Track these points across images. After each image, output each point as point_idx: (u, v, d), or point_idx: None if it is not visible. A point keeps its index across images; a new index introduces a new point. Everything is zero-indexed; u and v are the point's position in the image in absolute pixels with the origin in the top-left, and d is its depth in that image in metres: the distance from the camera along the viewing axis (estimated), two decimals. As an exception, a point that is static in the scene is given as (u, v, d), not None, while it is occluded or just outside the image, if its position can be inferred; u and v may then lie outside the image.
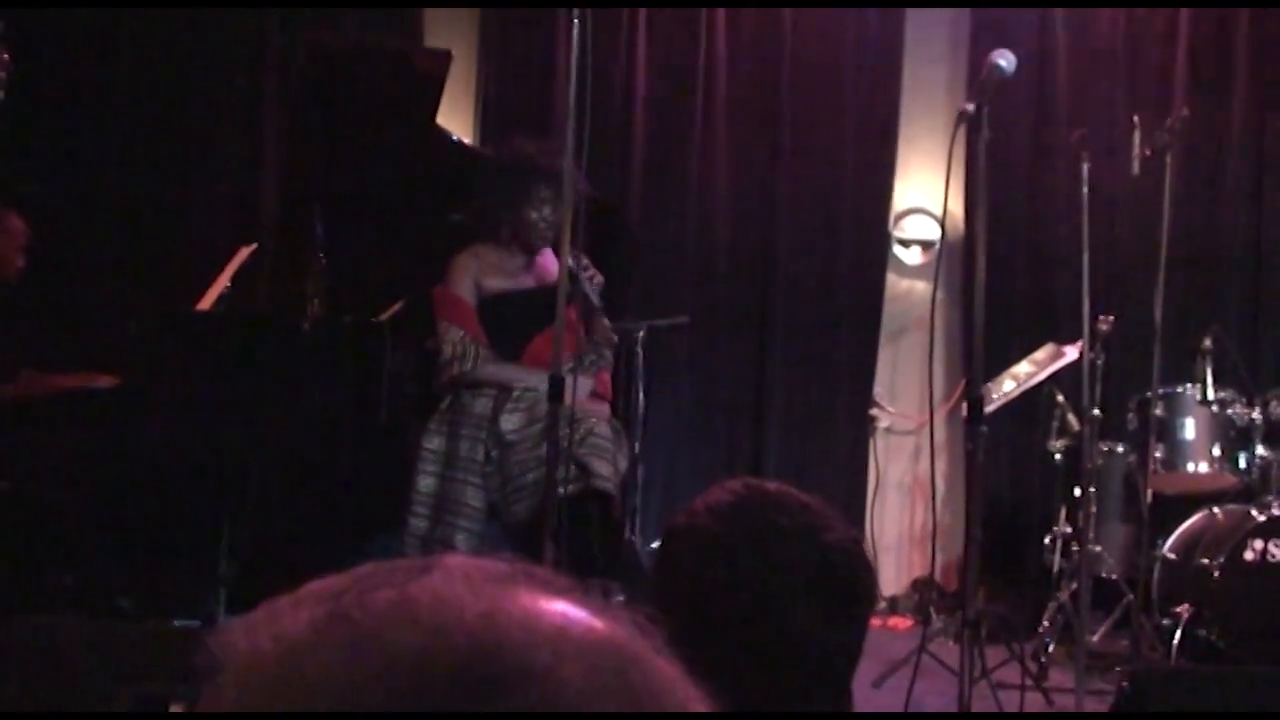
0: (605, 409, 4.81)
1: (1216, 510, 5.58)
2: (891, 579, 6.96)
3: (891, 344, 7.23)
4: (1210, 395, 5.67)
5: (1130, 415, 5.84)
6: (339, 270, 5.20)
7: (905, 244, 7.27)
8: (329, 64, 5.46)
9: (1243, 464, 5.70)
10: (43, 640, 4.08)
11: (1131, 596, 5.40)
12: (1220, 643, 5.21)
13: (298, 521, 5.16)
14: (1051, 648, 5.47)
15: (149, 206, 6.53)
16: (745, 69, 7.15)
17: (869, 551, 1.67)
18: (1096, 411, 5.25)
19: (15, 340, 5.25)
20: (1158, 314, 4.94)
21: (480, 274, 4.78)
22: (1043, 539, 5.92)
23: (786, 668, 1.56)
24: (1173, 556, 5.53)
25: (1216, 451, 5.68)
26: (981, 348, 4.05)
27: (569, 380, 3.88)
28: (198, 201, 6.54)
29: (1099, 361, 5.42)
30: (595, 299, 4.69)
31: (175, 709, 3.69)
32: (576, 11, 3.94)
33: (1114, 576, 5.73)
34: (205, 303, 5.32)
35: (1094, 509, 5.38)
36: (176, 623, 4.86)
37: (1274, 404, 5.67)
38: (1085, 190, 4.97)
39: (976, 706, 4.02)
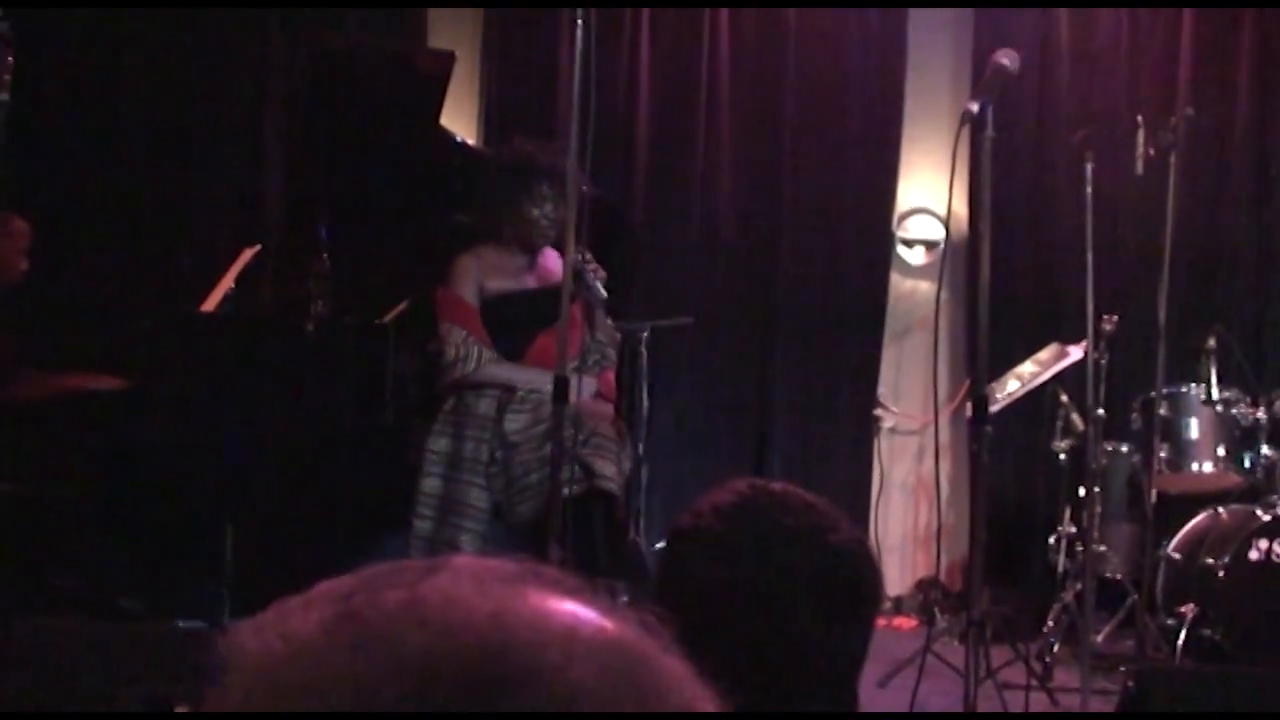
0: (609, 409, 4.81)
1: (1221, 510, 5.58)
2: (896, 579, 6.95)
3: (895, 344, 7.23)
4: (1215, 395, 5.67)
5: (1134, 415, 5.84)
6: (342, 271, 5.20)
7: (909, 244, 7.27)
8: (332, 65, 5.47)
9: (1247, 464, 5.69)
10: (48, 641, 4.08)
11: (1136, 596, 5.39)
12: (1225, 643, 5.21)
13: (302, 522, 5.17)
14: (1056, 648, 5.47)
15: (152, 208, 6.53)
16: (748, 69, 7.15)
17: (874, 552, 1.67)
18: (1101, 411, 5.25)
19: (19, 341, 5.25)
20: (1162, 314, 4.94)
21: (482, 275, 4.78)
22: (1047, 539, 5.91)
23: (792, 668, 1.55)
24: (1177, 556, 5.52)
25: (1221, 451, 5.68)
26: (986, 348, 4.05)
27: (573, 380, 3.88)
28: (201, 203, 6.54)
29: (1103, 361, 5.42)
30: (601, 291, 4.68)
31: (180, 710, 3.69)
32: (580, 12, 3.94)
33: (1119, 576, 5.73)
34: (209, 304, 5.32)
35: (1098, 509, 5.38)
36: (181, 624, 4.86)
37: (1278, 403, 5.66)
38: (1089, 190, 4.96)
39: (981, 707, 4.02)
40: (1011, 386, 5.72)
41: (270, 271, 5.73)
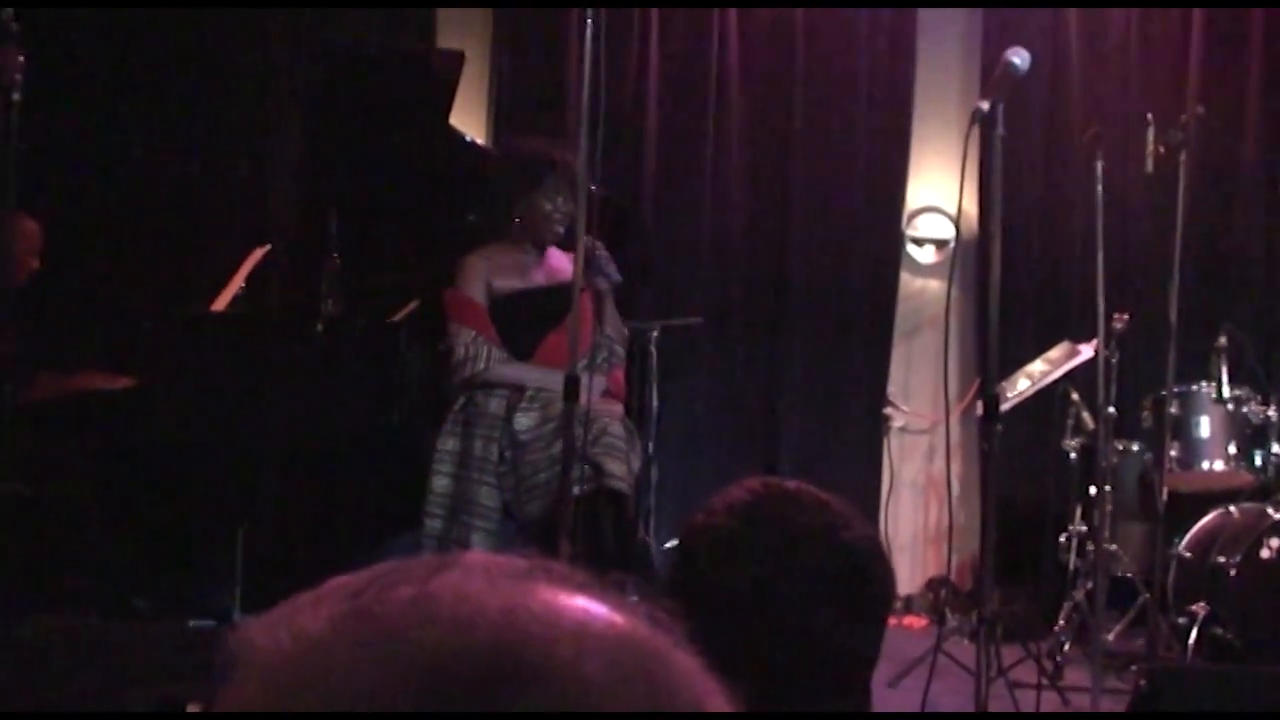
0: (619, 408, 4.81)
1: (1232, 508, 5.56)
2: (906, 578, 6.94)
3: (905, 343, 7.22)
4: (1225, 393, 5.66)
5: (1145, 413, 5.83)
6: (353, 271, 5.21)
7: (919, 243, 7.26)
8: (342, 65, 5.48)
9: (1258, 462, 5.68)
10: (59, 641, 4.09)
11: (1147, 595, 5.38)
12: (1236, 641, 5.20)
13: (312, 523, 5.17)
14: (1067, 647, 5.46)
15: (162, 208, 6.54)
16: (757, 68, 7.14)
17: (887, 550, 1.67)
18: (1111, 410, 5.24)
19: (30, 342, 5.26)
20: (1172, 312, 4.93)
21: (491, 274, 4.78)
22: (1058, 538, 5.90)
23: (806, 667, 1.55)
24: (1188, 555, 5.51)
25: (1232, 449, 5.67)
26: (996, 346, 4.04)
27: (583, 379, 3.88)
28: (211, 203, 6.55)
29: (1114, 360, 5.40)
30: (615, 274, 4.67)
31: (192, 709, 3.70)
32: (590, 11, 3.93)
33: (1130, 575, 5.72)
34: (219, 304, 5.32)
35: (1109, 508, 5.37)
36: (192, 623, 4.87)
37: (1290, 402, 5.66)
38: (1099, 188, 4.96)
39: (992, 706, 4.02)
40: (1022, 385, 5.71)
41: (280, 271, 5.74)
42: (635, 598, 0.65)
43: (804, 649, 1.54)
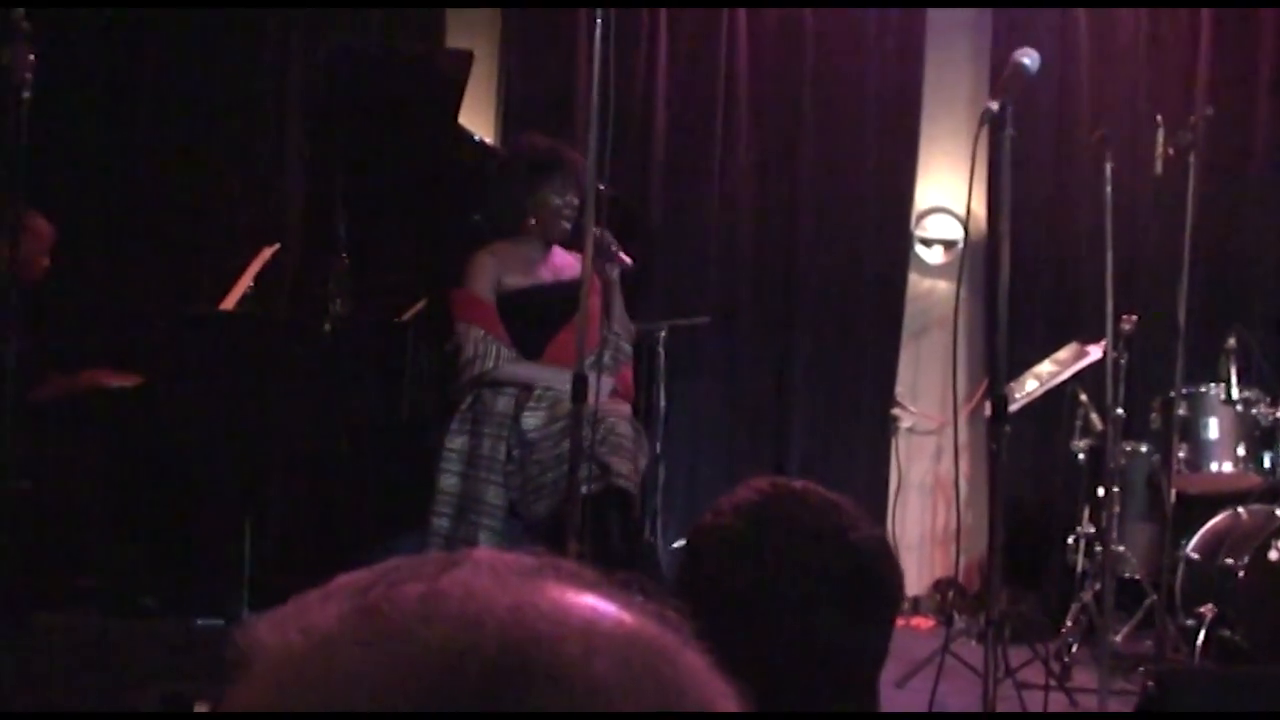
0: (626, 408, 4.81)
1: (1241, 510, 5.56)
2: (914, 579, 6.94)
3: (913, 343, 7.22)
4: (1234, 395, 5.65)
5: (1154, 415, 5.82)
6: (361, 270, 5.21)
7: (927, 243, 7.26)
8: (352, 66, 5.48)
9: (1267, 464, 5.68)
10: (68, 639, 4.10)
11: (1155, 597, 5.38)
12: (1244, 643, 5.19)
13: (320, 521, 5.18)
14: (1075, 648, 5.45)
15: (171, 207, 6.55)
16: (766, 68, 7.14)
17: (894, 550, 1.67)
18: (1120, 411, 5.23)
19: (41, 341, 5.27)
20: (1181, 313, 4.92)
21: (500, 271, 4.78)
22: (1066, 539, 5.90)
23: (813, 667, 1.55)
24: (1196, 557, 5.51)
25: (1240, 451, 5.66)
26: (1004, 347, 4.03)
27: (591, 380, 3.88)
28: (221, 202, 6.56)
29: (1122, 361, 5.40)
30: (626, 258, 4.67)
31: (200, 707, 3.71)
32: (599, 12, 3.93)
33: (1137, 577, 5.71)
34: (228, 303, 5.33)
35: (1117, 509, 5.37)
36: (201, 622, 4.88)
37: (1299, 404, 5.65)
38: (1108, 190, 4.95)
39: (1000, 707, 4.01)
40: (1030, 386, 5.71)
41: (289, 271, 5.75)
42: (642, 597, 0.65)
43: (811, 649, 1.54)
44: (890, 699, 4.59)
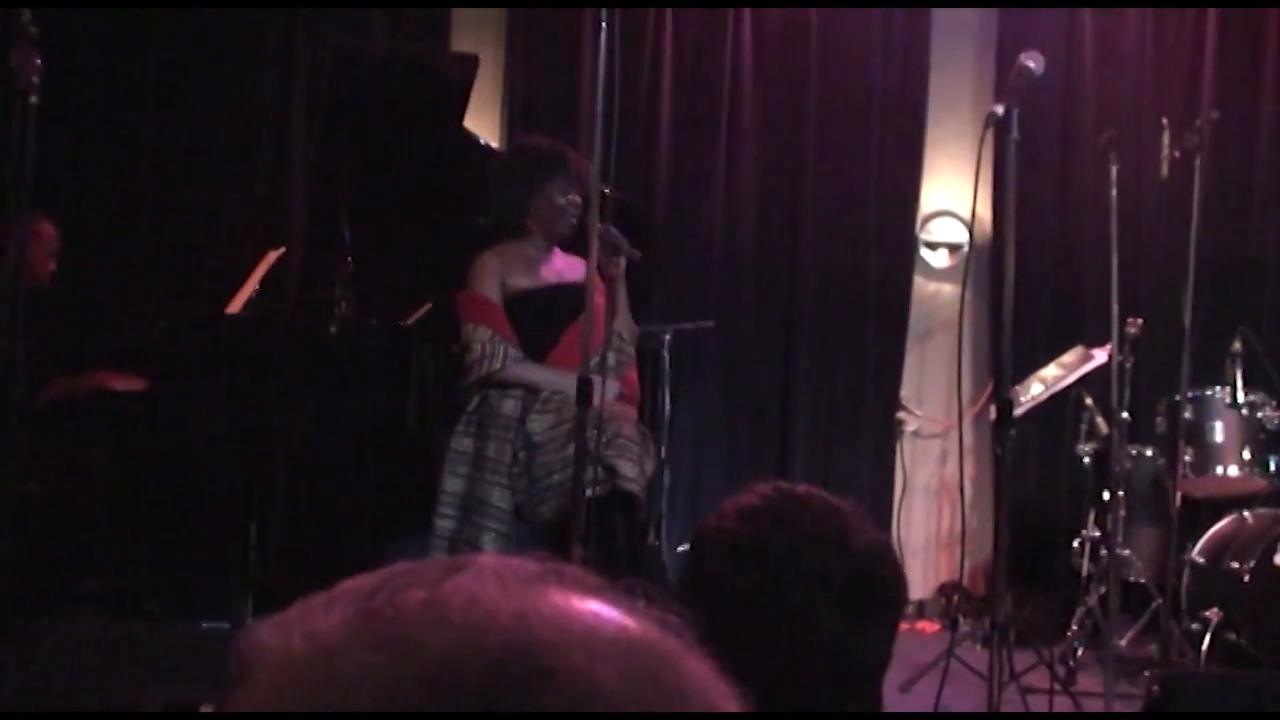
0: (632, 412, 4.81)
1: (1246, 514, 5.55)
2: (919, 583, 6.94)
3: (918, 347, 7.21)
4: (1240, 398, 5.64)
5: (1159, 418, 5.81)
6: (366, 273, 5.22)
7: (932, 247, 7.25)
8: (357, 69, 5.49)
9: (1273, 467, 5.67)
10: (72, 642, 4.10)
11: (1160, 601, 5.37)
12: (1250, 647, 5.18)
13: (325, 524, 5.18)
14: (1080, 652, 5.45)
15: (177, 210, 6.56)
16: (771, 70, 7.14)
17: (897, 555, 1.67)
18: (1125, 414, 5.23)
19: (47, 344, 5.28)
20: (1187, 317, 4.92)
21: (505, 272, 4.79)
22: (1071, 543, 5.89)
23: (816, 671, 1.55)
24: (1202, 560, 5.50)
25: (1246, 455, 5.65)
26: (1009, 350, 4.03)
27: (596, 383, 3.88)
28: (226, 205, 6.56)
29: (1128, 364, 5.40)
30: (630, 248, 4.67)
31: (204, 710, 3.71)
32: (604, 13, 3.93)
33: (1143, 580, 5.71)
34: (234, 306, 5.34)
35: (1122, 513, 5.37)
36: (205, 625, 4.88)
37: (1304, 407, 5.64)
38: (1114, 193, 4.95)
39: (1005, 711, 4.01)
40: (1035, 389, 5.71)
41: (295, 274, 5.76)
42: (645, 602, 0.65)
43: (814, 654, 1.54)
44: (895, 703, 4.59)
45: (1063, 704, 4.70)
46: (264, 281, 5.42)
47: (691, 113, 7.10)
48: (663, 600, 0.65)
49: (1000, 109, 3.87)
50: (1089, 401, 5.89)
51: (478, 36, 6.95)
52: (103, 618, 4.91)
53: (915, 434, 7.19)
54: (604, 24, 3.94)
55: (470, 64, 5.48)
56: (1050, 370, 5.80)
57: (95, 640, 4.27)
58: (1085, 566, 5.77)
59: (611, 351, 4.69)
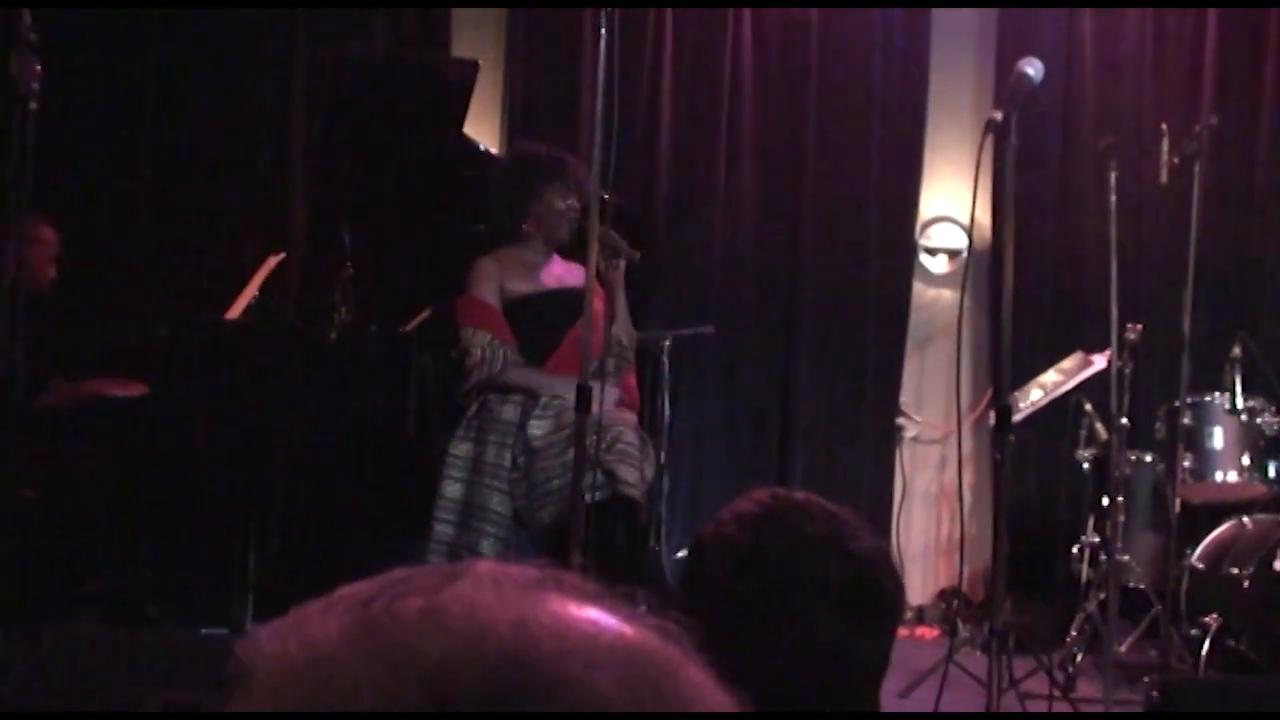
0: (632, 417, 4.81)
1: (1246, 520, 5.55)
2: (918, 589, 6.94)
3: (918, 353, 7.21)
4: (1239, 404, 5.64)
5: (1158, 424, 5.81)
6: (366, 279, 5.22)
7: (932, 252, 7.26)
8: (357, 74, 5.49)
9: (1272, 473, 5.66)
10: (72, 647, 4.09)
11: (1160, 607, 5.37)
12: (1249, 653, 5.18)
13: (325, 529, 5.18)
14: (1079, 658, 5.44)
15: (177, 216, 6.56)
16: (771, 73, 7.14)
17: (896, 561, 1.67)
18: (1124, 420, 5.23)
19: (47, 349, 5.27)
20: (1186, 322, 4.92)
21: (503, 277, 4.79)
22: (1070, 549, 5.89)
23: (814, 677, 1.55)
24: (1201, 566, 5.50)
25: (1245, 460, 5.65)
26: (1009, 356, 4.03)
27: (595, 389, 3.88)
28: (226, 210, 6.57)
29: (1127, 370, 5.40)
30: (629, 250, 4.67)
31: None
32: (604, 14, 3.93)
33: (1142, 586, 5.70)
34: (234, 312, 5.34)
35: (1122, 518, 5.36)
36: (204, 631, 4.88)
37: (1303, 413, 5.64)
38: (1113, 198, 4.95)
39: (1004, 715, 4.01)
40: (1035, 395, 5.71)
41: (295, 279, 5.76)
42: (645, 609, 0.65)
43: (812, 659, 1.55)
44: (894, 709, 4.59)
45: (1062, 710, 4.70)
46: (264, 287, 5.42)
47: (691, 115, 7.10)
48: (661, 607, 0.65)
49: (999, 115, 3.88)
50: (1088, 407, 5.89)
51: (478, 38, 6.96)
52: (102, 622, 4.90)
53: (915, 439, 7.19)
54: (603, 26, 3.94)
55: (470, 69, 5.49)
56: (1050, 376, 5.81)
57: (94, 644, 4.26)
58: (1085, 572, 5.76)
59: (610, 357, 4.69)
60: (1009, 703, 4.17)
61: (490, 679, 0.58)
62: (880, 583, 1.59)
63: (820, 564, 1.56)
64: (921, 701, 4.64)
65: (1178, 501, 5.22)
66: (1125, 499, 5.44)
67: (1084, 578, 5.75)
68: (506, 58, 7.07)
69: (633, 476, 4.47)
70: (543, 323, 4.77)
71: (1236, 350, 5.70)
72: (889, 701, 1.73)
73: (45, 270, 5.36)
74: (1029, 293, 6.48)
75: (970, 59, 7.28)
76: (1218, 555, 5.48)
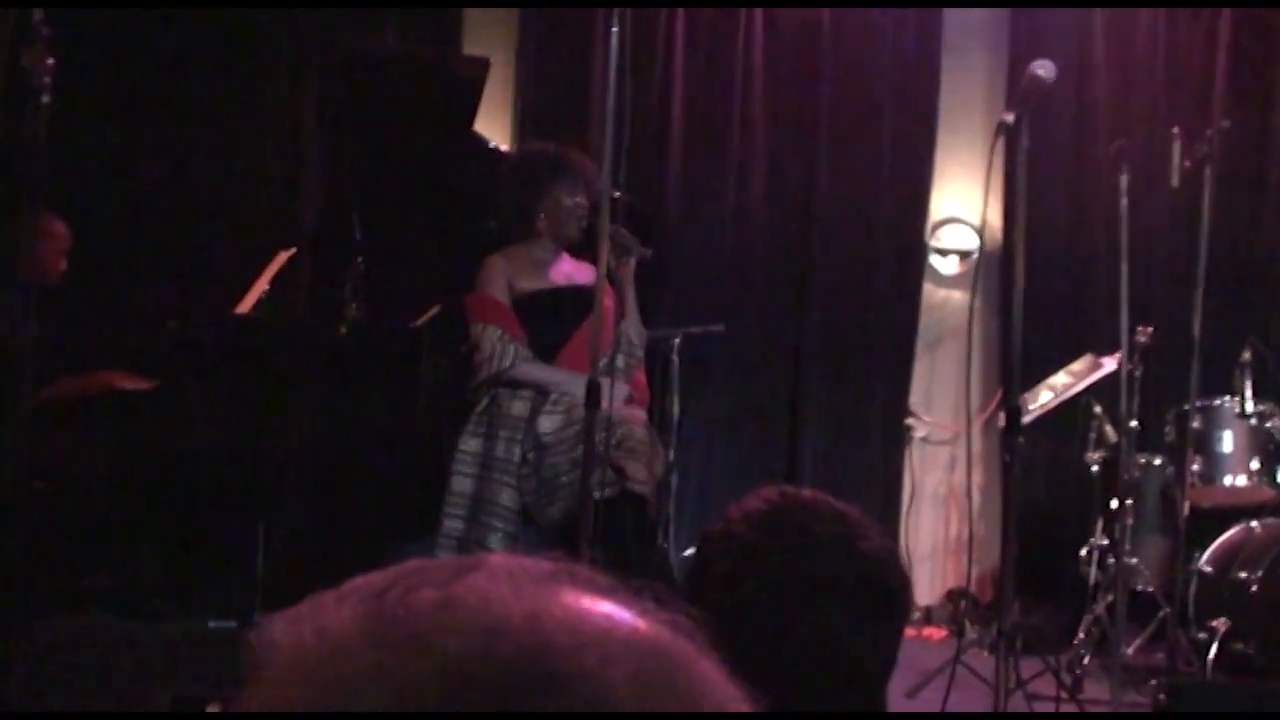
0: (641, 414, 4.82)
1: (1254, 524, 5.54)
2: (926, 589, 6.93)
3: (928, 353, 7.21)
4: (1249, 408, 5.63)
5: (1168, 427, 5.81)
6: (377, 275, 5.22)
7: (942, 253, 7.25)
8: (369, 71, 5.49)
9: (1281, 477, 5.66)
10: (80, 641, 4.10)
11: (1168, 610, 5.36)
12: (1257, 657, 5.17)
13: (333, 524, 5.19)
14: (1087, 660, 5.44)
15: (188, 211, 6.57)
16: (783, 74, 7.14)
17: (904, 561, 1.67)
18: (1134, 423, 5.23)
19: (56, 343, 5.28)
20: (1196, 326, 4.91)
21: (512, 275, 4.80)
22: (1079, 551, 5.88)
23: (820, 677, 1.55)
24: (1209, 570, 5.49)
25: (1255, 464, 5.64)
26: (1019, 358, 4.03)
27: (605, 385, 3.89)
28: (237, 206, 6.57)
29: (1137, 373, 5.39)
30: (640, 247, 4.68)
31: (212, 709, 3.71)
32: (615, 14, 3.94)
33: (1150, 589, 5.69)
34: (244, 306, 5.35)
35: (1130, 521, 5.35)
36: (213, 625, 4.89)
37: (1314, 418, 5.63)
38: (1124, 201, 4.95)
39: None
40: (1044, 397, 5.70)
41: (305, 275, 5.76)
42: (655, 604, 0.65)
43: (818, 659, 1.55)
44: (901, 709, 4.59)
45: (1069, 711, 4.70)
46: (274, 282, 5.42)
47: (702, 113, 7.10)
48: (674, 602, 0.65)
49: (1011, 117, 3.88)
50: (1098, 410, 5.88)
51: (489, 37, 6.96)
52: (110, 616, 4.91)
53: (924, 440, 7.19)
54: (615, 25, 3.94)
55: (481, 67, 5.49)
56: (1059, 378, 5.80)
57: (102, 638, 4.27)
58: (1093, 575, 5.76)
59: (620, 354, 4.70)
60: (1016, 704, 4.17)
61: (504, 672, 0.58)
62: (888, 582, 1.59)
63: (828, 563, 1.56)
64: (929, 702, 4.64)
65: (1186, 505, 5.21)
66: (1134, 502, 5.44)
67: (1092, 580, 5.75)
68: (518, 56, 7.07)
69: (642, 473, 4.48)
70: (552, 320, 4.77)
71: (1247, 354, 5.69)
72: (896, 701, 1.73)
73: (55, 264, 5.37)
74: (1039, 294, 6.47)
75: (982, 60, 7.27)
76: (1226, 559, 5.47)
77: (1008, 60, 7.07)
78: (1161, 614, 5.54)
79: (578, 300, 4.59)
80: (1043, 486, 6.72)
